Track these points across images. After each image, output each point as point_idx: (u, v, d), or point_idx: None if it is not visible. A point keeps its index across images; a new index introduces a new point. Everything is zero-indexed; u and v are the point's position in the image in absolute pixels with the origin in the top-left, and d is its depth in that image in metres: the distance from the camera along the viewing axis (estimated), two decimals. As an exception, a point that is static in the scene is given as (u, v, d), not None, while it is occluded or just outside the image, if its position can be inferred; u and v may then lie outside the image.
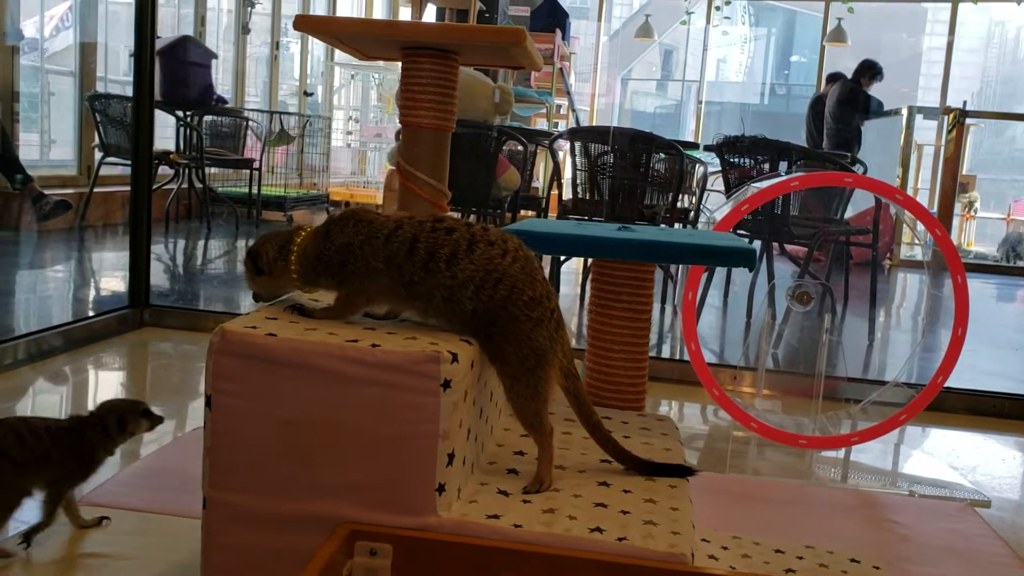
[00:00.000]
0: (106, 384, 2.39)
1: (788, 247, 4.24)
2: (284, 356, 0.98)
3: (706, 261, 1.31)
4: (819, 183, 2.75)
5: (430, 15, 6.89)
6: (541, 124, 8.14)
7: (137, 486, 1.65)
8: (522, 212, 4.64)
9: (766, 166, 4.04)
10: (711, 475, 2.10)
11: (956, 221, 8.76)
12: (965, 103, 6.90)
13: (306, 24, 1.52)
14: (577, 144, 4.04)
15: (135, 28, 3.05)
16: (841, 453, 2.32)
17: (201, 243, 5.44)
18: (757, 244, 4.18)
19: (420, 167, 1.62)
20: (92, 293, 3.76)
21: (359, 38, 1.55)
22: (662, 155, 4.00)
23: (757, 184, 2.17)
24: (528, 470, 1.14)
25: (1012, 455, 2.44)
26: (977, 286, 6.68)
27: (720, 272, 4.56)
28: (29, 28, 5.58)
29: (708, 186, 5.19)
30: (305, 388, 0.98)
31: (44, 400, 2.23)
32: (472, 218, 4.84)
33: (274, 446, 0.99)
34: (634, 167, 3.98)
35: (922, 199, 8.99)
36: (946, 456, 2.39)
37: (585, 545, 0.97)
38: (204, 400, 1.01)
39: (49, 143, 5.99)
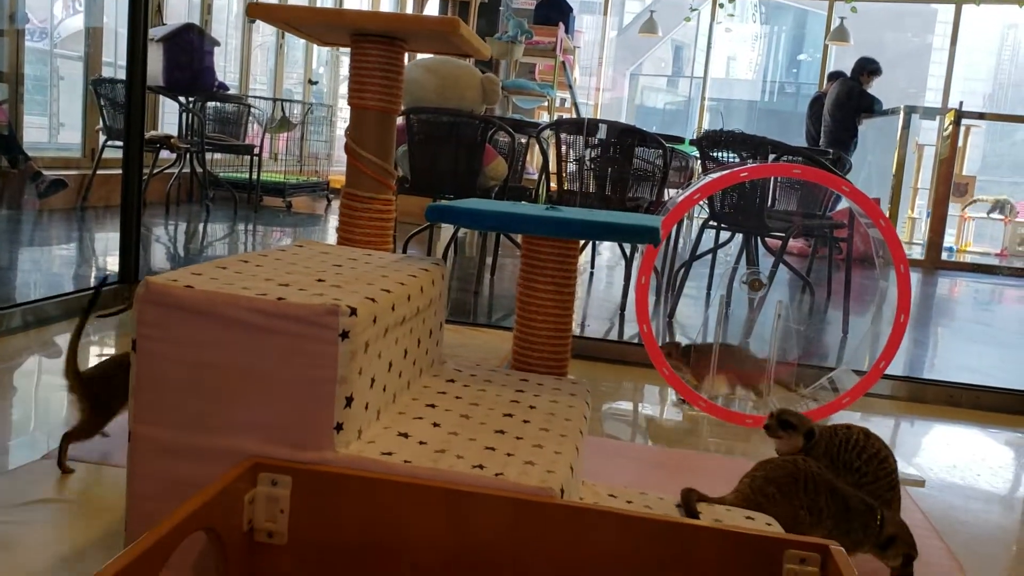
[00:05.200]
0: (94, 352, 2.52)
1: (769, 241, 4.33)
2: (199, 306, 1.10)
3: (613, 237, 1.42)
4: (768, 174, 2.84)
5: (432, 8, 7.01)
6: (545, 117, 8.23)
7: (104, 442, 1.78)
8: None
9: (749, 161, 4.13)
10: (657, 448, 2.21)
11: (955, 222, 8.80)
12: (961, 103, 6.94)
13: (259, 11, 1.63)
14: (562, 136, 4.13)
15: (128, 11, 3.17)
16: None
17: (200, 226, 5.57)
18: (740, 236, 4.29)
19: (366, 147, 1.73)
20: (91, 270, 3.89)
21: (309, 25, 1.66)
22: (647, 149, 4.08)
23: (712, 175, 2.27)
24: (435, 418, 1.25)
25: (960, 441, 2.54)
26: (976, 286, 6.72)
27: (703, 264, 4.65)
28: (40, 12, 5.73)
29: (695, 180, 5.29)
30: (217, 335, 1.09)
31: (40, 363, 2.37)
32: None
33: (190, 387, 1.11)
34: (617, 160, 4.07)
35: (922, 199, 9.03)
36: (898, 443, 2.49)
37: (465, 479, 1.08)
38: (131, 345, 1.13)
39: (58, 126, 6.15)
